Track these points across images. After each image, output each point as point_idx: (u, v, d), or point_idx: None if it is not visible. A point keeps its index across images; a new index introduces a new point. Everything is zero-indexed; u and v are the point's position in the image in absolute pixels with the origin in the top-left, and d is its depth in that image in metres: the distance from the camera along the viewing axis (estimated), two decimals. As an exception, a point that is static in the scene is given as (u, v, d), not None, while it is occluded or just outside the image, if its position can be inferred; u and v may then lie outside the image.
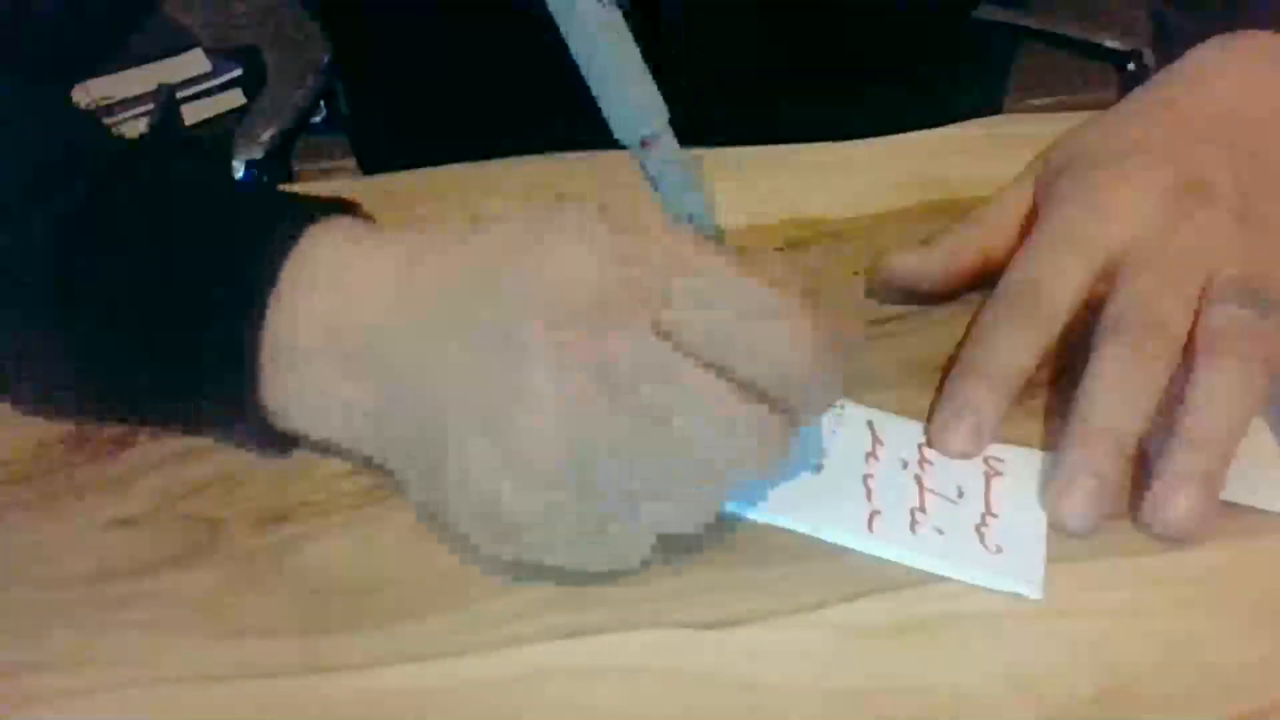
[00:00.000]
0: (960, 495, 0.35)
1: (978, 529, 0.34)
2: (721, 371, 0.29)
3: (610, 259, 0.29)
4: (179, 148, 0.37)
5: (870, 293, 0.42)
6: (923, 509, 0.34)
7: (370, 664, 0.31)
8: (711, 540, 0.34)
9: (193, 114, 1.44)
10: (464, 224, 0.32)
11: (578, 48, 0.30)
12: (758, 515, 0.34)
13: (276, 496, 0.35)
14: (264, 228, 0.33)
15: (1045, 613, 0.32)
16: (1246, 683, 0.30)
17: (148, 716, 0.30)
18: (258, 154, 0.69)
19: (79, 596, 0.32)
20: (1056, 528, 0.34)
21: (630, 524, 0.30)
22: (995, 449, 0.36)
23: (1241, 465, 0.34)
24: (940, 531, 0.34)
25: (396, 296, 0.31)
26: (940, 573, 0.33)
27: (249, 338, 0.31)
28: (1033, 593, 0.32)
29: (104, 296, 0.33)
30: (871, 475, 0.35)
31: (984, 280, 0.41)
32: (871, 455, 0.36)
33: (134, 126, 1.37)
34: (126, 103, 1.39)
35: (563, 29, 0.29)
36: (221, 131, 1.41)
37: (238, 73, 1.47)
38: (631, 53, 0.30)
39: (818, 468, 0.35)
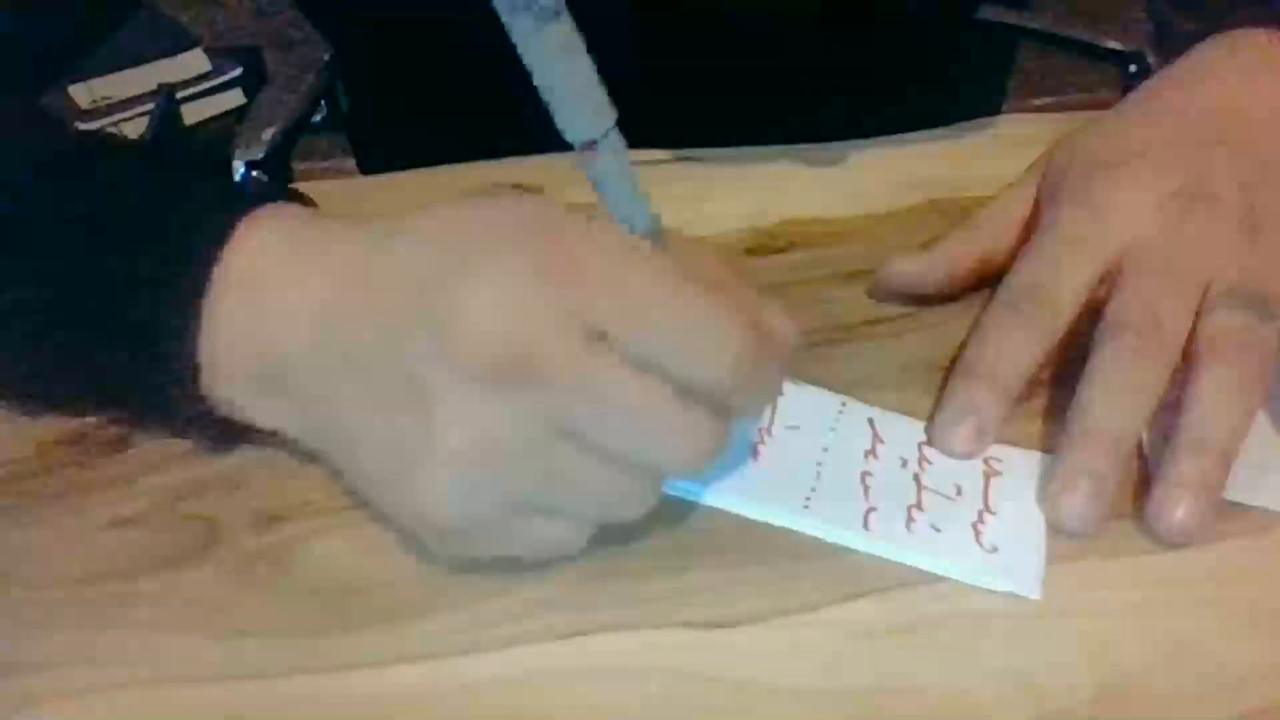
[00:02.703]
0: (959, 494, 0.35)
1: (973, 527, 0.34)
2: (657, 372, 0.28)
3: (534, 292, 0.28)
4: (110, 146, 0.36)
5: (870, 293, 0.43)
6: (920, 507, 0.34)
7: (370, 664, 0.31)
8: (711, 540, 0.34)
9: (193, 114, 1.44)
10: (389, 234, 0.31)
11: (522, 50, 0.29)
12: (754, 513, 0.34)
13: (276, 496, 0.35)
14: (187, 242, 0.32)
15: (1045, 613, 0.32)
16: (1247, 683, 0.30)
17: (148, 716, 0.30)
18: (258, 154, 0.69)
19: (79, 596, 0.32)
20: (1055, 529, 0.34)
21: (555, 527, 0.30)
22: (995, 449, 0.36)
23: (1242, 465, 0.34)
24: (936, 529, 0.34)
25: (310, 336, 0.31)
26: (934, 570, 0.33)
27: (184, 358, 0.32)
28: (1029, 592, 0.32)
29: (32, 306, 0.33)
30: (870, 473, 0.35)
31: (985, 283, 0.41)
32: (871, 453, 0.36)
33: (134, 126, 1.37)
34: (126, 103, 1.39)
35: (508, 29, 0.29)
36: (221, 131, 1.41)
37: (238, 73, 1.47)
38: (577, 54, 0.29)
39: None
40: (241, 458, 0.36)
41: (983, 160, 0.46)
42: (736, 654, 0.31)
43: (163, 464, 0.36)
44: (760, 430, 0.36)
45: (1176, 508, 0.33)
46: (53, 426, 0.37)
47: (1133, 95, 0.44)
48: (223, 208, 0.33)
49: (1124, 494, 0.35)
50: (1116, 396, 0.34)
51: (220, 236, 0.32)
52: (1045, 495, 0.34)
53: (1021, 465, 0.36)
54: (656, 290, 0.29)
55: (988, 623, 0.32)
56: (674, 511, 0.34)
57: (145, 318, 0.32)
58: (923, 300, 0.42)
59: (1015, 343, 0.37)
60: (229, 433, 0.34)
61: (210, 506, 0.35)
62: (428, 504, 0.29)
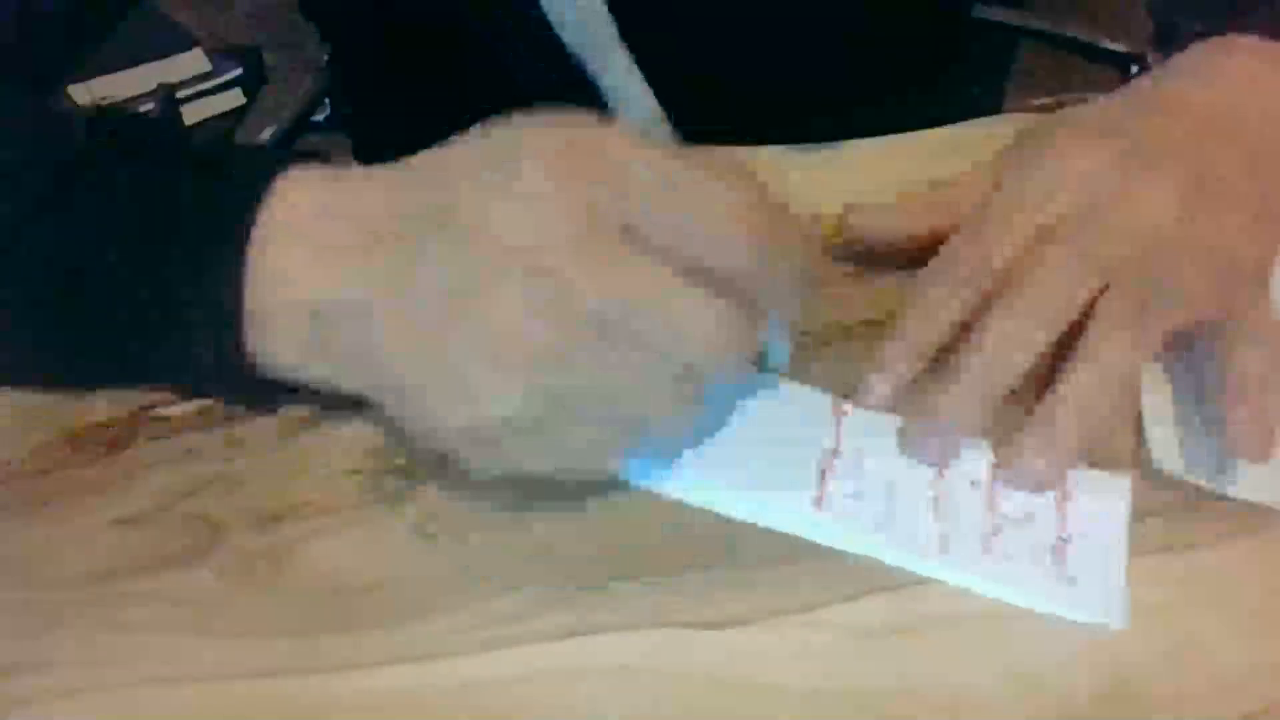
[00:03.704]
0: (1033, 519, 0.34)
1: (1054, 555, 0.33)
2: (686, 266, 0.30)
3: (562, 188, 0.29)
4: (131, 129, 0.37)
5: (833, 250, 0.43)
6: (995, 534, 0.34)
7: (370, 664, 0.31)
8: (711, 540, 0.34)
9: (193, 114, 1.44)
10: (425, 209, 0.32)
11: (570, 40, 0.30)
12: (824, 539, 0.34)
13: (276, 496, 0.35)
14: (219, 222, 0.33)
15: (1045, 613, 0.32)
16: (1247, 683, 0.30)
17: (148, 716, 0.30)
18: (257, 154, 0.69)
19: (79, 596, 0.32)
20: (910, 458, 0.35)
21: (591, 430, 0.31)
22: (1070, 466, 0.35)
23: (1245, 462, 0.34)
24: (1013, 557, 0.33)
25: (349, 273, 0.31)
26: (1015, 601, 0.32)
27: (229, 321, 0.32)
28: (1115, 623, 0.32)
29: (68, 284, 0.33)
30: (941, 496, 0.35)
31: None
32: (940, 475, 0.35)
33: (134, 126, 1.37)
34: (126, 103, 1.39)
35: (556, 28, 0.29)
36: (221, 131, 1.41)
37: (238, 73, 1.47)
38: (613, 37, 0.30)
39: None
40: (241, 458, 0.36)
41: (982, 160, 0.46)
42: (736, 654, 0.31)
43: (163, 464, 0.36)
44: (827, 452, 0.36)
45: (1032, 456, 0.34)
46: (53, 426, 0.37)
47: (1113, 93, 0.44)
48: (257, 168, 0.33)
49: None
50: (990, 347, 0.35)
51: (256, 195, 0.32)
52: (902, 427, 0.36)
53: (1095, 487, 0.35)
54: (679, 180, 0.30)
55: (988, 623, 0.32)
56: (674, 511, 0.34)
57: (181, 265, 0.32)
58: (877, 258, 0.42)
59: (933, 308, 0.37)
60: (253, 385, 0.34)
61: (210, 506, 0.34)
62: (480, 402, 0.30)
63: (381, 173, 0.33)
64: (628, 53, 0.31)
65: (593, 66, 0.32)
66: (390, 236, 0.31)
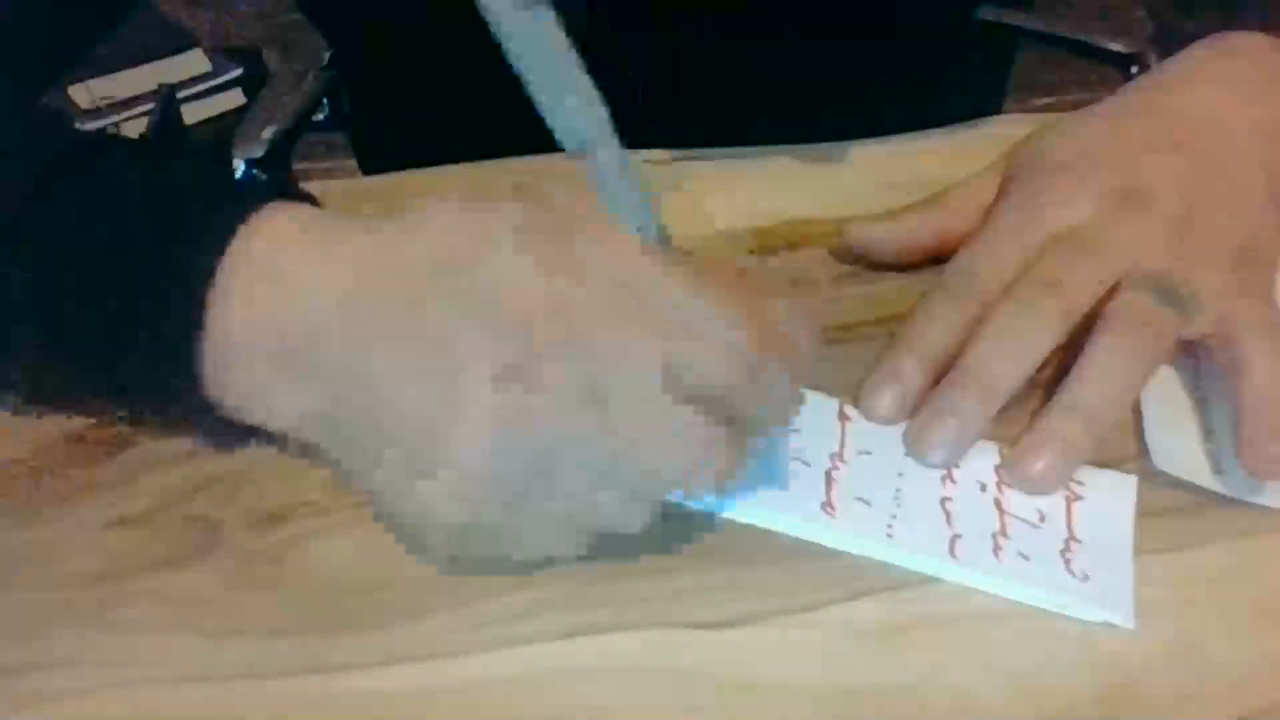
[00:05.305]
0: (1042, 520, 0.34)
1: (1063, 555, 0.33)
2: (669, 382, 0.29)
3: (552, 273, 0.29)
4: (117, 140, 0.36)
5: (835, 253, 0.44)
6: (1004, 534, 0.34)
7: (370, 664, 0.31)
8: (712, 540, 0.34)
9: (193, 114, 1.44)
10: (404, 220, 0.31)
11: (513, 54, 0.29)
12: (836, 542, 0.34)
13: (276, 496, 0.35)
14: (197, 226, 0.32)
15: (1045, 613, 0.32)
16: (1247, 683, 0.30)
17: (148, 716, 0.30)
18: (258, 154, 0.69)
19: (79, 596, 0.32)
20: (919, 460, 0.36)
21: (563, 522, 0.30)
22: (1075, 472, 0.35)
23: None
24: (1025, 557, 0.33)
25: (336, 313, 0.30)
26: (1026, 601, 0.32)
27: (187, 336, 0.31)
28: (1125, 621, 0.32)
29: (40, 298, 0.33)
30: (950, 498, 0.35)
31: (943, 258, 0.41)
32: (948, 477, 0.35)
33: (134, 126, 1.37)
34: (126, 103, 1.39)
35: (497, 36, 0.29)
36: (221, 131, 1.41)
37: (238, 73, 1.47)
38: (565, 55, 0.30)
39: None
40: (241, 458, 0.36)
41: (981, 161, 0.46)
42: (736, 654, 0.31)
43: (163, 464, 0.36)
44: (833, 457, 0.36)
45: (1036, 460, 0.35)
46: (53, 426, 0.37)
47: (1113, 96, 0.44)
48: (233, 197, 0.33)
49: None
50: (996, 345, 0.36)
51: (235, 220, 0.31)
52: (908, 429, 0.36)
53: (1101, 486, 0.35)
54: (666, 293, 0.29)
55: (988, 623, 0.32)
56: (674, 512, 0.34)
57: (156, 301, 0.31)
58: (879, 266, 0.43)
59: (942, 319, 0.38)
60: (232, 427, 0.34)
61: (210, 506, 0.35)
62: (464, 463, 0.29)
63: (374, 220, 0.32)
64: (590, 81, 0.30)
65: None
66: (383, 285, 0.30)
